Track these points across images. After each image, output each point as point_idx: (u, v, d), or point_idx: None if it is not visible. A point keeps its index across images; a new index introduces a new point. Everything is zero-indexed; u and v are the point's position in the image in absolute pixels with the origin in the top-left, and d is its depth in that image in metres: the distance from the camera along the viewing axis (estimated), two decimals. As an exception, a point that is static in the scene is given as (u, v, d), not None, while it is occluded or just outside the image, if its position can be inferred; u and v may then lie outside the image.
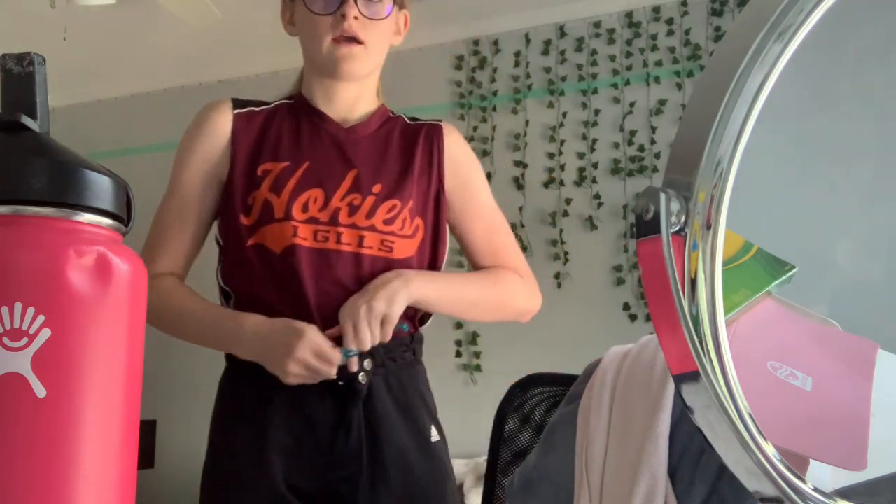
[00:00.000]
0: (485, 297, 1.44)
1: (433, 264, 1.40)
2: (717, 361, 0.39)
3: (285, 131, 1.38)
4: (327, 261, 1.30)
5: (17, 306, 0.43)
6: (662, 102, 3.88)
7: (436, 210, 1.41)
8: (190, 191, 1.37)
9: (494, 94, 4.17)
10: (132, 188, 0.51)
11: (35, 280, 0.43)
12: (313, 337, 1.22)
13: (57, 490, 0.43)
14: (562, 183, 3.98)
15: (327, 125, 1.40)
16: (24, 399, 0.42)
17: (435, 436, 1.37)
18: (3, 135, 0.47)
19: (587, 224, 3.91)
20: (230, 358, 1.37)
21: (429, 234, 1.39)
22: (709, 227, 0.40)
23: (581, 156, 3.97)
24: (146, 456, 4.08)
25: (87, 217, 0.46)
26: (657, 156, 3.84)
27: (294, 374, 1.23)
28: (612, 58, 3.99)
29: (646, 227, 0.40)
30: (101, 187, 0.47)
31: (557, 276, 3.90)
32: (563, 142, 4.01)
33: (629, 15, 3.99)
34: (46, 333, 0.43)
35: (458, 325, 3.94)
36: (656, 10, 3.95)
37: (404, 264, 1.34)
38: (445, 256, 1.43)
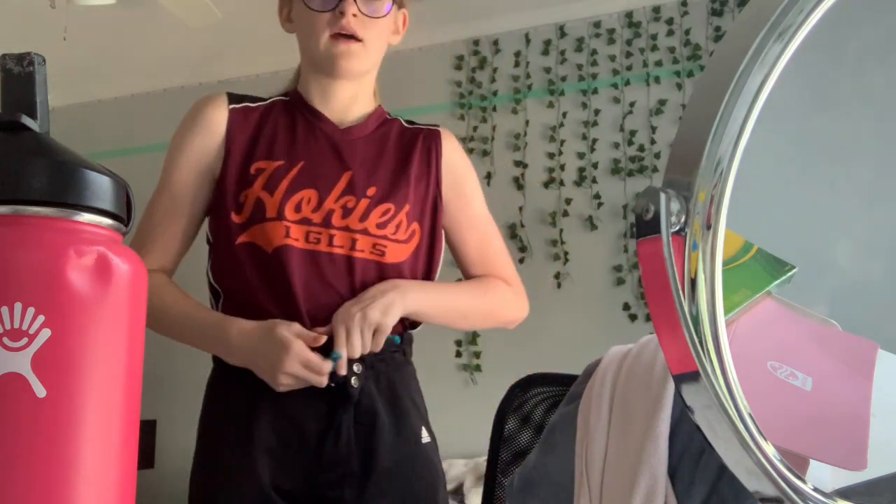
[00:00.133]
0: (475, 307, 1.44)
1: (428, 270, 1.39)
2: (717, 361, 0.39)
3: (280, 129, 1.37)
4: (318, 263, 1.29)
5: (17, 306, 0.43)
6: (662, 102, 3.88)
7: (433, 216, 1.40)
8: (182, 185, 1.35)
9: (494, 94, 4.16)
10: (132, 188, 0.51)
11: (35, 280, 0.43)
12: (299, 350, 1.21)
13: (57, 490, 0.43)
14: (562, 183, 3.98)
15: (323, 125, 1.38)
16: (24, 399, 0.42)
17: (426, 437, 1.36)
18: (3, 135, 0.47)
19: (587, 224, 3.91)
20: (217, 358, 1.36)
21: (425, 239, 1.38)
22: (709, 227, 0.40)
23: (581, 156, 3.97)
24: (146, 456, 4.08)
25: (87, 217, 0.46)
26: (657, 156, 3.84)
27: (285, 384, 1.23)
28: (612, 58, 3.99)
29: (646, 227, 0.40)
30: (101, 187, 0.47)
31: (557, 276, 3.90)
32: (563, 142, 4.01)
33: (629, 15, 3.99)
34: (46, 333, 0.43)
35: (459, 326, 3.94)
36: (656, 10, 3.95)
37: (396, 269, 1.33)
38: (440, 263, 1.42)
